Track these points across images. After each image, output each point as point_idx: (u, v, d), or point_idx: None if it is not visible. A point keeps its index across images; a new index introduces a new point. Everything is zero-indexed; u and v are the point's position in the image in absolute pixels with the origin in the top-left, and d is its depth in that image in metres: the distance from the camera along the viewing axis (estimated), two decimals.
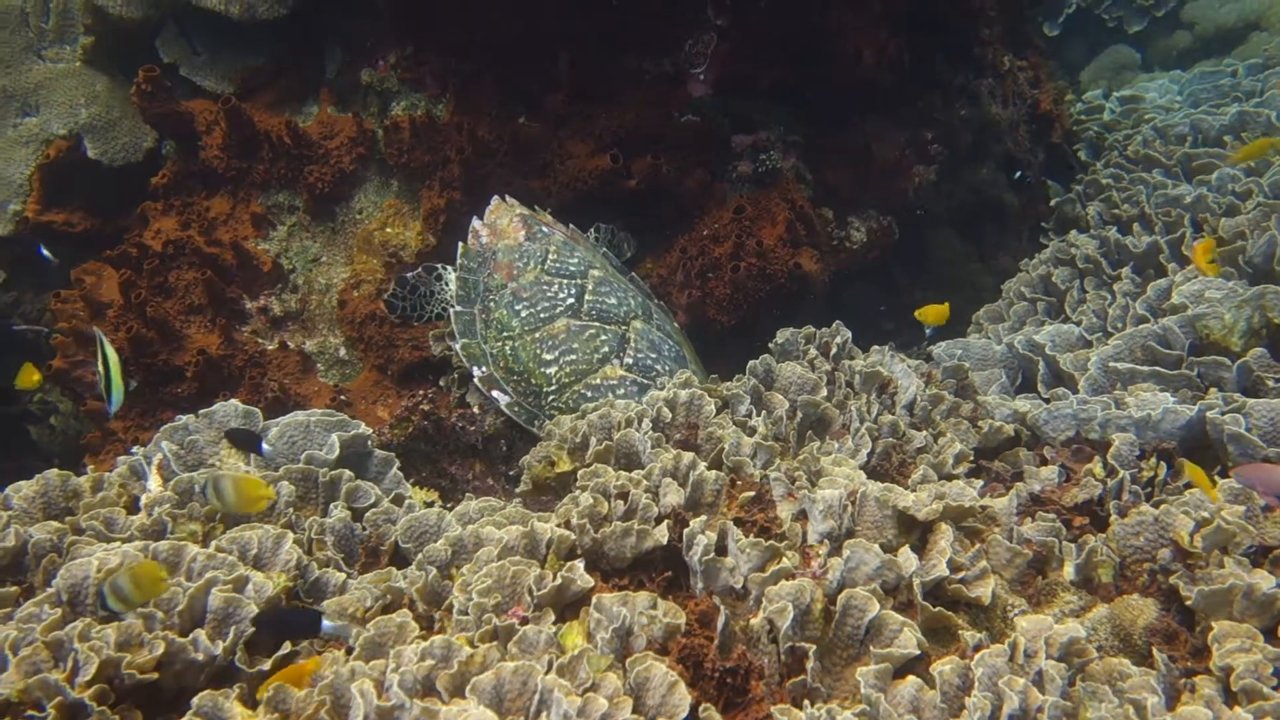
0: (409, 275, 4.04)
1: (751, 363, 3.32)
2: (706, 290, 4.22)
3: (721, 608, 2.23)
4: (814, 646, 2.12)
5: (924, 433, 3.07)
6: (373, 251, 4.35)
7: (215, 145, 4.44)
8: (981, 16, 5.26)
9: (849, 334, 3.54)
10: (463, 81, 4.39)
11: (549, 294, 3.83)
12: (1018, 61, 5.98)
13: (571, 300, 3.82)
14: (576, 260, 3.95)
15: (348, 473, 3.03)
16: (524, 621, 2.19)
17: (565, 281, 3.86)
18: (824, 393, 3.23)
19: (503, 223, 4.05)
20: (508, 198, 4.17)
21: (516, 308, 3.82)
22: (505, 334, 3.80)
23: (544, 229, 4.07)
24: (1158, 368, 3.37)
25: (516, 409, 3.74)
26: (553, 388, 3.70)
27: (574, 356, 3.72)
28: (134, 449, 3.24)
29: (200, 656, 2.21)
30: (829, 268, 4.55)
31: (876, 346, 3.59)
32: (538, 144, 4.30)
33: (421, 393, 3.92)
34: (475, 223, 4.09)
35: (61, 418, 5.25)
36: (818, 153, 4.72)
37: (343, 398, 4.12)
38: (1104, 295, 4.30)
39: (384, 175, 4.50)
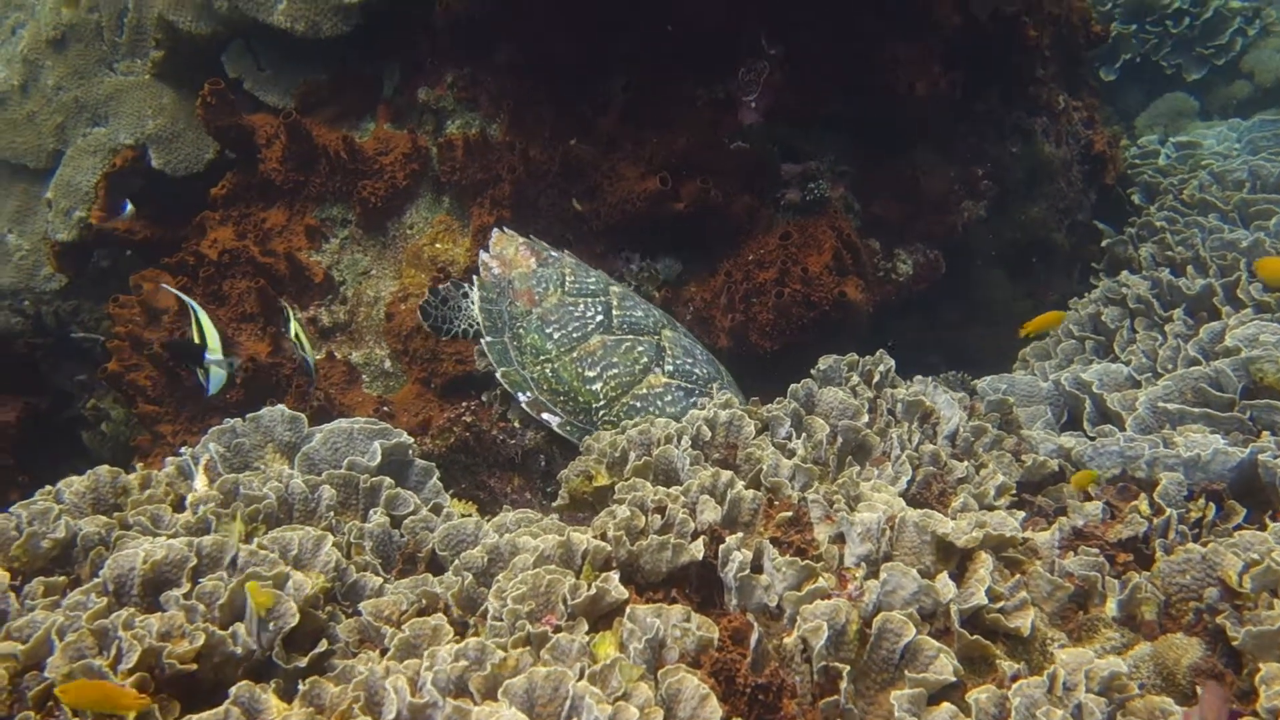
0: (440, 287, 4.11)
1: (793, 386, 3.31)
2: (750, 315, 4.22)
3: (755, 624, 2.21)
4: (848, 667, 2.10)
5: (965, 463, 3.03)
6: (422, 266, 4.41)
7: (274, 158, 4.54)
8: (1037, 54, 5.25)
9: (892, 362, 3.52)
10: (517, 102, 4.46)
11: (576, 314, 3.87)
12: (1073, 102, 5.94)
13: (601, 317, 3.86)
14: (594, 279, 4.00)
15: (388, 480, 3.06)
16: (557, 629, 2.19)
17: (590, 300, 3.91)
18: (865, 419, 3.21)
19: (509, 252, 4.11)
20: (506, 229, 4.23)
21: (548, 330, 3.86)
22: (542, 358, 3.83)
23: (552, 254, 4.12)
24: (1208, 409, 3.32)
25: (569, 428, 3.76)
26: (601, 403, 3.72)
27: (616, 370, 3.75)
28: (182, 449, 3.30)
29: (239, 650, 2.23)
30: (874, 298, 4.53)
31: (920, 377, 3.56)
32: (589, 165, 4.35)
33: (465, 405, 3.96)
34: (483, 255, 4.14)
35: (112, 424, 5.36)
36: (866, 183, 4.72)
37: (386, 409, 4.17)
38: (1155, 336, 4.24)
39: (436, 191, 4.58)
